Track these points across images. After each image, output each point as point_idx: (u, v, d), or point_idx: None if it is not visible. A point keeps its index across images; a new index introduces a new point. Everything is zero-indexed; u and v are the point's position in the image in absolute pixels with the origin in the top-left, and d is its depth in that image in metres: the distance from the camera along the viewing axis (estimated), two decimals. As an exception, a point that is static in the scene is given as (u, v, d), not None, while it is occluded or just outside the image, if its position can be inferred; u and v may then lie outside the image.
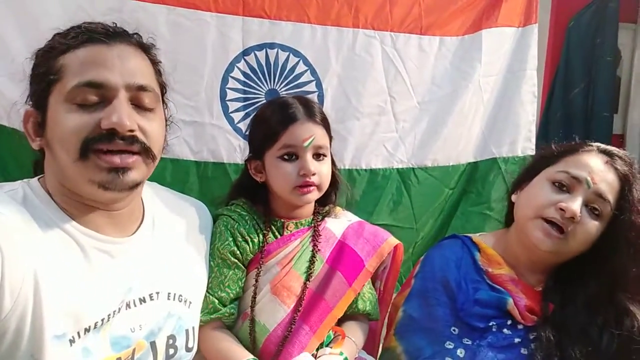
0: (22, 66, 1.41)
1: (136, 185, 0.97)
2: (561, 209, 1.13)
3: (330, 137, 1.29)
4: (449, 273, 1.27)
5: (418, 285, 1.31)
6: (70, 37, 0.94)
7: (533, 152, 1.26)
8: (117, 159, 0.91)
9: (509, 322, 1.19)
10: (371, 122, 1.82)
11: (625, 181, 1.16)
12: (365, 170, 1.84)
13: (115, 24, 1.01)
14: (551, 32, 2.61)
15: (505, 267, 1.25)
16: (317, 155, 1.23)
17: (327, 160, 1.26)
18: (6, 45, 1.45)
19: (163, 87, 1.08)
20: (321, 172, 1.23)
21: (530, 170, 1.30)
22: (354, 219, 1.39)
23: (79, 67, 0.92)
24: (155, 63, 1.06)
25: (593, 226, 1.15)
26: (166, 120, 1.08)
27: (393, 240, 1.35)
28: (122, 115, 0.90)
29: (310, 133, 1.20)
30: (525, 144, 1.98)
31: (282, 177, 1.23)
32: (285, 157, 1.22)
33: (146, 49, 1.03)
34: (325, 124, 1.25)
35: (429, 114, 1.89)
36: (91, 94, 0.91)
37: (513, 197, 1.30)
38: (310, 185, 1.22)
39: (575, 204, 1.12)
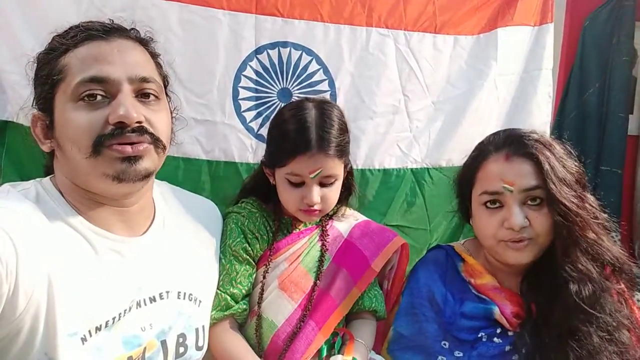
0: (32, 66, 1.44)
1: (148, 174, 0.98)
2: (509, 229, 1.15)
3: (347, 158, 1.28)
4: (435, 287, 1.29)
5: (405, 302, 1.32)
6: (70, 37, 0.96)
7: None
8: (128, 148, 0.93)
9: (499, 331, 1.20)
10: (385, 122, 1.80)
11: (536, 158, 1.15)
12: (379, 170, 1.82)
13: (112, 20, 1.03)
14: (566, 32, 2.59)
15: (487, 275, 1.27)
16: (325, 182, 1.23)
17: (337, 184, 1.26)
18: (20, 44, 1.45)
19: (165, 80, 1.10)
20: (327, 197, 1.24)
21: (461, 197, 1.32)
22: (361, 218, 1.40)
23: (81, 64, 0.94)
24: (154, 56, 1.08)
25: (543, 215, 1.15)
26: (171, 113, 1.10)
27: (399, 240, 1.36)
28: (128, 107, 0.93)
29: (318, 165, 1.19)
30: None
31: (287, 198, 1.24)
32: (292, 181, 1.22)
33: (145, 43, 1.06)
34: (340, 151, 1.22)
35: (443, 113, 1.87)
36: (95, 89, 0.93)
37: (472, 222, 1.30)
38: (314, 211, 1.23)
39: (514, 217, 1.14)
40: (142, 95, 0.98)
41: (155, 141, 0.98)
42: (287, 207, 1.27)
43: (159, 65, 1.08)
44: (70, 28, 0.99)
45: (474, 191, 1.25)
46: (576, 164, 1.22)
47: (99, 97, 0.93)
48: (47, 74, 0.96)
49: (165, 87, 1.10)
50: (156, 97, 1.01)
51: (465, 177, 1.29)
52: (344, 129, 1.25)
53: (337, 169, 1.23)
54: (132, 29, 1.04)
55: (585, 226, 1.13)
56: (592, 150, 2.62)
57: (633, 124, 2.74)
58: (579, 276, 1.11)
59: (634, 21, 2.59)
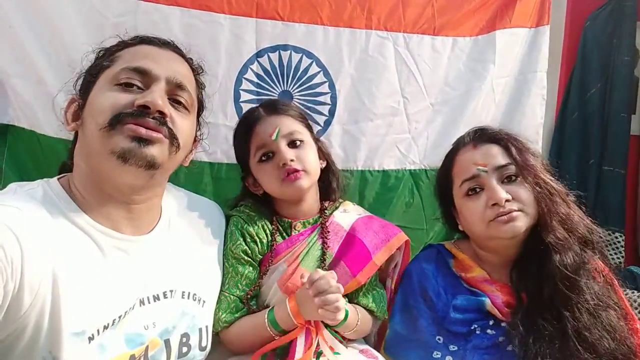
0: (38, 68, 1.46)
1: (154, 164, 0.97)
2: (494, 205, 1.19)
3: (307, 124, 1.32)
4: (427, 284, 1.30)
5: (400, 300, 1.33)
6: (131, 39, 1.07)
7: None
8: (142, 130, 0.95)
9: (491, 322, 1.22)
10: (384, 123, 1.81)
11: (501, 141, 1.25)
12: (378, 171, 1.83)
13: (173, 41, 1.12)
14: (567, 33, 2.58)
15: (477, 269, 1.29)
16: (293, 143, 1.25)
17: (307, 144, 1.27)
18: (22, 48, 1.47)
19: (201, 104, 1.16)
20: (301, 156, 1.24)
21: (443, 200, 1.38)
22: (364, 213, 1.40)
23: (130, 57, 1.02)
24: (199, 83, 1.14)
25: (523, 189, 1.20)
26: (196, 136, 1.14)
27: (403, 236, 1.36)
28: (156, 96, 0.97)
29: (274, 125, 1.22)
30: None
31: (268, 178, 1.25)
32: (263, 158, 1.24)
33: (194, 69, 1.13)
34: (293, 111, 1.28)
35: (441, 114, 1.88)
36: (134, 79, 0.99)
37: (461, 227, 1.34)
38: (295, 172, 1.22)
39: (496, 192, 1.19)
40: (174, 100, 1.03)
41: (172, 138, 0.99)
42: (273, 190, 1.27)
43: (200, 91, 1.15)
44: (136, 36, 1.09)
45: (454, 189, 1.30)
46: (538, 152, 1.29)
47: (134, 87, 0.99)
48: (99, 63, 1.04)
49: (200, 112, 1.16)
50: (187, 108, 1.05)
51: (442, 180, 1.35)
52: (293, 105, 1.33)
53: (296, 125, 1.27)
54: (190, 58, 1.13)
55: (557, 197, 1.20)
56: (594, 150, 2.61)
57: (635, 124, 2.72)
58: (560, 245, 1.16)
59: (635, 21, 2.58)
